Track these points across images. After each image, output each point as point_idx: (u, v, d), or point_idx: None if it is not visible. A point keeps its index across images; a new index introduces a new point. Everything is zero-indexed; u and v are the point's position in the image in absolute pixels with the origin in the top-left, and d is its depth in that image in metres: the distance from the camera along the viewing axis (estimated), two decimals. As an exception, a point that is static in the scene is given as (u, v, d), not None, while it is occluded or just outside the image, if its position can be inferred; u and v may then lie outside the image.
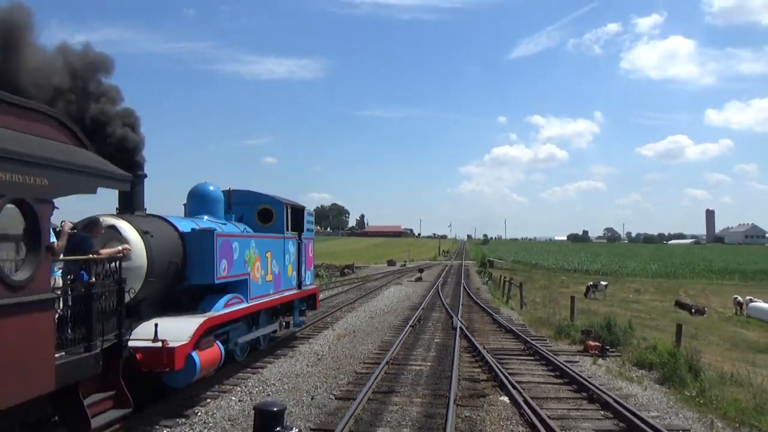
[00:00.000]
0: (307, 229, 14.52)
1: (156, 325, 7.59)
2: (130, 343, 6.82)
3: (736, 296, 37.28)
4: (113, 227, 8.02)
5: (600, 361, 12.62)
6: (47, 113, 5.47)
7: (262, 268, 11.36)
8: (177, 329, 7.91)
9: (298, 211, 13.88)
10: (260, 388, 9.88)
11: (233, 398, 9.20)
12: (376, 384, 9.96)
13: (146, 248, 8.23)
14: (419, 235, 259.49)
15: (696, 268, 72.92)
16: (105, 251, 6.46)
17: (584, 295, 37.49)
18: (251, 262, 10.76)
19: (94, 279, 5.79)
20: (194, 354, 7.98)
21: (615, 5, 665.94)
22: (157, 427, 7.63)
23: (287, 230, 12.84)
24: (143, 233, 8.34)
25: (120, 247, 6.81)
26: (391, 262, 76.00)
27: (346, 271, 52.46)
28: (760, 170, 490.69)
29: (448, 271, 54.65)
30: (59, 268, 5.89)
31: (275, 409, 4.67)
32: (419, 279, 40.71)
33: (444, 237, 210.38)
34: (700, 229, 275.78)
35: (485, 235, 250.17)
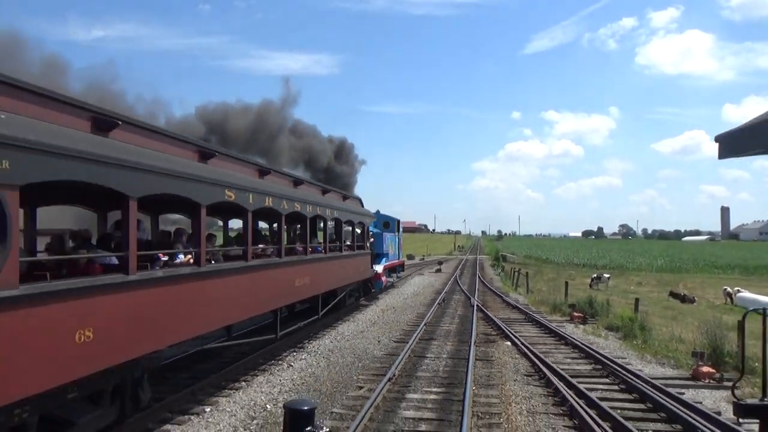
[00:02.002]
0: (402, 230, 29.37)
1: (372, 267, 20.97)
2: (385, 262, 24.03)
3: (725, 287, 41.19)
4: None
5: (581, 326, 17.13)
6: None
7: (391, 248, 26.25)
8: (377, 269, 22.78)
9: (397, 221, 28.33)
10: (341, 335, 14.57)
11: (327, 339, 13.92)
12: (419, 336, 14.57)
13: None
14: (434, 231, 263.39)
15: (700, 264, 76.21)
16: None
17: (589, 286, 41.67)
18: (388, 245, 25.47)
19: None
20: (382, 277, 22.86)
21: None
22: (293, 351, 12.34)
23: (396, 231, 27.53)
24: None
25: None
26: (410, 256, 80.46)
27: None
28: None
29: (464, 265, 59.06)
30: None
31: (306, 407, 4.50)
32: (439, 270, 45.26)
33: (458, 233, 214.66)
34: (717, 226, 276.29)
35: (499, 231, 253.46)
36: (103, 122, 6.20)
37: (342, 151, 47.37)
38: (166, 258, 7.96)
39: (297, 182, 13.23)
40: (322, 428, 4.49)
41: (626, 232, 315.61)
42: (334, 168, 44.94)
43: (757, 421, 4.20)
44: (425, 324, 16.40)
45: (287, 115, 45.40)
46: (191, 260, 8.12)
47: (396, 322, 17.31)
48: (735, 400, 4.49)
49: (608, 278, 45.00)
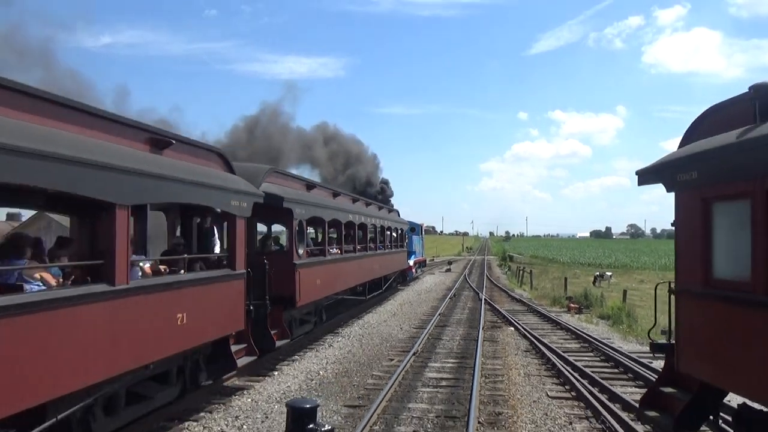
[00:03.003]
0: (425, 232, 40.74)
1: (409, 261, 29.56)
2: (415, 258, 33.57)
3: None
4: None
5: (576, 315, 19.45)
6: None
7: (417, 248, 35.31)
8: (410, 262, 31.13)
9: (421, 226, 37.42)
10: (368, 324, 16.99)
11: (356, 327, 16.35)
12: (435, 324, 16.94)
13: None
14: (441, 232, 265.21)
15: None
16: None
17: (592, 284, 43.96)
18: (415, 245, 34.02)
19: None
20: (413, 269, 31.34)
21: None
22: (330, 336, 14.78)
23: (420, 234, 36.48)
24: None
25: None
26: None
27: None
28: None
29: (472, 264, 61.34)
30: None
31: (308, 406, 4.50)
32: (449, 270, 47.59)
33: (466, 234, 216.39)
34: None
35: (507, 232, 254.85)
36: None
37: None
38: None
39: (367, 203, 20.98)
40: (324, 426, 4.44)
41: (634, 231, 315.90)
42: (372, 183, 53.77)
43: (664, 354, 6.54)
44: (439, 314, 18.79)
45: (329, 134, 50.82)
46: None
47: (413, 313, 19.71)
48: (650, 340, 6.86)
49: (610, 276, 47.21)
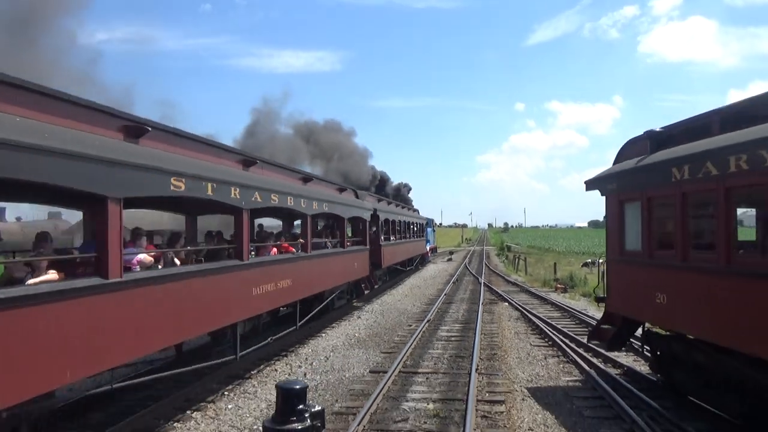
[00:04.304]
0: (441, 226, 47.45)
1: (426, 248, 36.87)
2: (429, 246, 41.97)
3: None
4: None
5: (562, 294, 22.65)
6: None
7: (431, 237, 47.68)
8: (427, 248, 39.42)
9: (432, 220, 51.33)
10: (385, 303, 20.18)
11: (376, 305, 19.55)
12: (442, 301, 20.14)
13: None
14: (440, 224, 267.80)
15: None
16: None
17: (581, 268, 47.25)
18: (429, 235, 44.47)
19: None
20: (429, 254, 40.96)
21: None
22: (356, 311, 17.98)
23: (432, 227, 49.40)
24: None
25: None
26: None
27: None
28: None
29: (472, 254, 64.52)
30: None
31: (297, 387, 4.44)
32: (450, 260, 50.80)
33: (465, 226, 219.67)
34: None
35: (506, 224, 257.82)
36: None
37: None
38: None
39: (401, 206, 31.06)
40: (314, 407, 4.49)
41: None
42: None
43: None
44: (445, 294, 21.99)
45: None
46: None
47: (422, 294, 22.91)
48: (595, 295, 10.05)
49: (600, 262, 50.52)
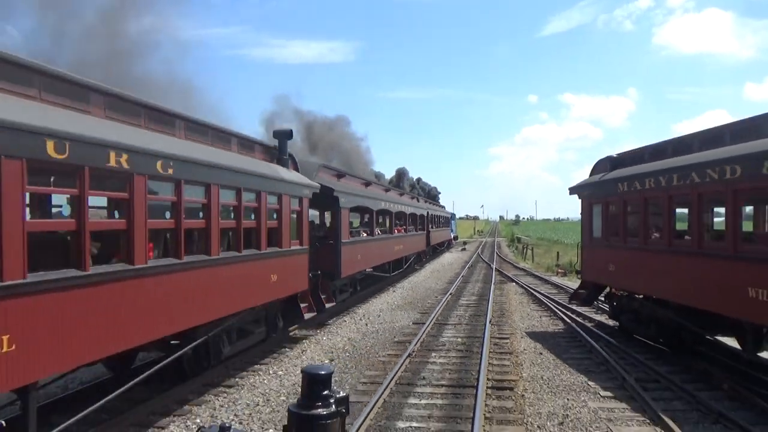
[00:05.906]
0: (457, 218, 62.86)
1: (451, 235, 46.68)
2: (452, 234, 52.02)
3: None
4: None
5: (562, 277, 26.57)
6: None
7: (454, 227, 59.33)
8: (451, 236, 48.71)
9: (453, 214, 61.59)
10: (412, 282, 24.22)
11: (406, 283, 23.61)
12: (460, 282, 24.14)
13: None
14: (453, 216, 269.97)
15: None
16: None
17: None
18: (452, 226, 56.18)
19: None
20: (452, 241, 54.33)
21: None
22: (389, 288, 22.06)
23: (454, 219, 60.02)
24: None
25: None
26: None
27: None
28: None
29: (484, 245, 68.41)
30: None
31: (323, 372, 4.43)
32: (464, 249, 54.76)
33: (476, 218, 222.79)
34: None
35: (517, 216, 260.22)
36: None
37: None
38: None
39: (427, 201, 40.11)
40: (338, 393, 4.43)
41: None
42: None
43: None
44: (462, 276, 26.01)
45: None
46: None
47: (443, 276, 26.93)
48: (575, 269, 13.99)
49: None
